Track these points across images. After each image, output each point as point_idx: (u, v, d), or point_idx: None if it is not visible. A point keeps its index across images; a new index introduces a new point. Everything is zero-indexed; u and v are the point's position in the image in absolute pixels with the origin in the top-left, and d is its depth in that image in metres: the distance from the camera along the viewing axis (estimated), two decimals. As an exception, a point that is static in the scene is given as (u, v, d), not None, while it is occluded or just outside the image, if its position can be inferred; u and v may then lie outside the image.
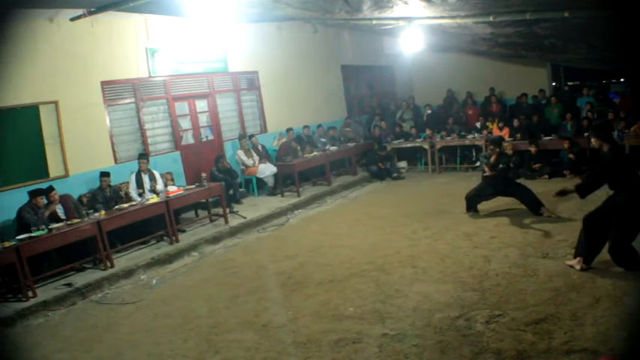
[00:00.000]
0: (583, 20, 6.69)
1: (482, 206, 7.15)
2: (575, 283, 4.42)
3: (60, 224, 6.10)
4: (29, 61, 6.59)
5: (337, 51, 12.13)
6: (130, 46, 7.87)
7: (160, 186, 7.46)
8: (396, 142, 11.27)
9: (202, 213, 8.16)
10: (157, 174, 7.57)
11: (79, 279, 5.99)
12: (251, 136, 9.53)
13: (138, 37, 7.95)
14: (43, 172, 6.83)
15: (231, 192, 8.68)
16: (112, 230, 6.42)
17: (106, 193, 6.96)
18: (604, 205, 4.64)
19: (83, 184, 7.25)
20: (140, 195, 7.27)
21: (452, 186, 9.23)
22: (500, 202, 7.23)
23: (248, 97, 10.13)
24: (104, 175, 6.97)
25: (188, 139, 9.00)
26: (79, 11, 6.80)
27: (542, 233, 5.87)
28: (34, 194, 6.14)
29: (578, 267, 4.67)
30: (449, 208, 7.48)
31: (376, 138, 11.37)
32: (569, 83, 16.03)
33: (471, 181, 9.11)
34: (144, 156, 7.51)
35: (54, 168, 6.96)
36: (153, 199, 7.08)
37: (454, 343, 3.69)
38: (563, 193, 4.77)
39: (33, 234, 5.79)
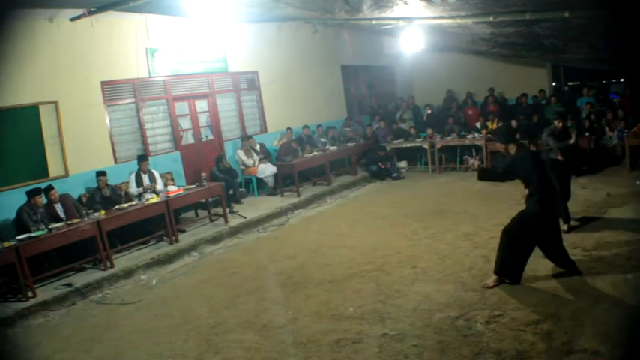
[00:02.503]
0: (583, 20, 6.69)
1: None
2: (574, 283, 4.42)
3: (60, 224, 6.11)
4: (29, 61, 6.59)
5: (337, 51, 12.13)
6: (130, 46, 7.87)
7: (159, 186, 7.46)
8: (396, 142, 11.27)
9: (202, 213, 8.16)
10: (156, 174, 7.57)
11: (79, 279, 5.99)
12: (249, 137, 9.51)
13: (138, 37, 7.95)
14: (43, 172, 6.83)
15: (231, 192, 8.68)
16: (112, 230, 6.42)
17: (104, 193, 6.94)
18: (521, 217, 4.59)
19: (83, 184, 7.24)
20: (140, 195, 7.27)
21: (452, 186, 9.23)
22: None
23: (248, 97, 10.13)
24: (101, 174, 6.95)
25: (188, 139, 9.00)
26: (79, 11, 6.80)
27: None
28: (32, 194, 6.14)
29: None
30: (449, 208, 7.48)
31: (369, 137, 11.40)
32: (569, 83, 16.02)
33: (470, 181, 9.13)
34: (144, 158, 7.51)
35: (54, 168, 6.96)
36: (153, 199, 7.08)
37: (454, 343, 3.69)
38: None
39: (33, 234, 5.80)
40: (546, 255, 4.70)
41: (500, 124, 4.84)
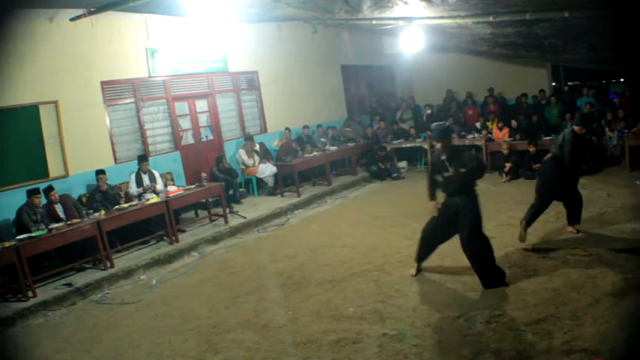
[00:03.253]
0: (583, 20, 6.69)
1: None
2: (575, 283, 4.42)
3: (60, 224, 6.11)
4: (29, 61, 6.59)
5: (337, 51, 12.12)
6: (130, 46, 7.87)
7: (159, 186, 7.47)
8: (395, 142, 11.27)
9: (202, 213, 8.16)
10: (156, 174, 7.57)
11: (79, 279, 5.99)
12: (252, 137, 9.50)
13: (138, 37, 7.95)
14: (43, 172, 6.83)
15: (231, 192, 8.68)
16: (112, 230, 6.42)
17: (104, 191, 6.92)
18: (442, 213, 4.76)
19: (83, 184, 7.24)
20: (140, 195, 7.27)
21: (452, 186, 9.21)
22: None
23: (248, 97, 10.13)
24: (100, 172, 6.95)
25: (188, 139, 9.00)
26: (79, 11, 6.80)
27: (542, 233, 5.86)
28: (31, 194, 6.15)
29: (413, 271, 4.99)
30: (449, 208, 7.46)
31: (369, 137, 11.39)
32: (569, 83, 16.05)
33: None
34: (144, 158, 7.51)
35: (54, 168, 6.96)
36: (153, 199, 7.08)
37: (454, 343, 3.69)
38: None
39: (33, 234, 5.79)
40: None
41: (437, 123, 4.80)
